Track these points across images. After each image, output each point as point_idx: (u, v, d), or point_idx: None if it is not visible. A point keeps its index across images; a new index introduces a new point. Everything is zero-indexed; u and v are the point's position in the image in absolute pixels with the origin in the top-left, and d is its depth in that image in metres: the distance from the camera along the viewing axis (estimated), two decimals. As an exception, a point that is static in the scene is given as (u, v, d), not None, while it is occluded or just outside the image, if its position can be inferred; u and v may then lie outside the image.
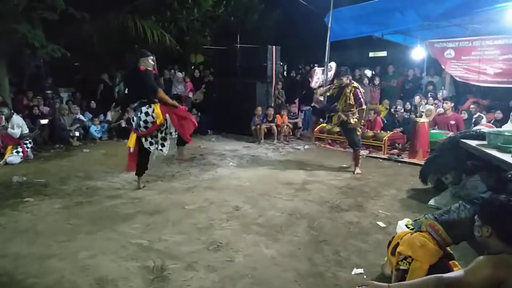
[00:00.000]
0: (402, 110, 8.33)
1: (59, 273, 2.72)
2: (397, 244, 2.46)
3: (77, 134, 8.19)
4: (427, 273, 2.21)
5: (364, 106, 5.65)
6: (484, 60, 7.70)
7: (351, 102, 5.58)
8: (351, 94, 5.58)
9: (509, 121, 6.25)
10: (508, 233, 1.65)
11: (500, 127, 6.05)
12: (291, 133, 9.13)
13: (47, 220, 3.75)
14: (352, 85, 5.61)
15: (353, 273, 2.77)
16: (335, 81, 6.05)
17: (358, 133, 5.76)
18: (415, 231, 2.51)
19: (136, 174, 4.86)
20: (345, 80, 5.62)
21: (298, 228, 3.62)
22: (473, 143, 3.92)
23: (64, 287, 2.55)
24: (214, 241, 3.27)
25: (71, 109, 8.49)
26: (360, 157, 5.97)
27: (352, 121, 5.63)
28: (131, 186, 4.98)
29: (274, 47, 9.00)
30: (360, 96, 5.57)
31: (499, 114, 7.01)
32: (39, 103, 8.41)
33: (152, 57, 4.56)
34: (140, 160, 4.78)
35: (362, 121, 5.87)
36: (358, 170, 5.75)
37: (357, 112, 5.65)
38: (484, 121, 6.86)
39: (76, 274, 2.71)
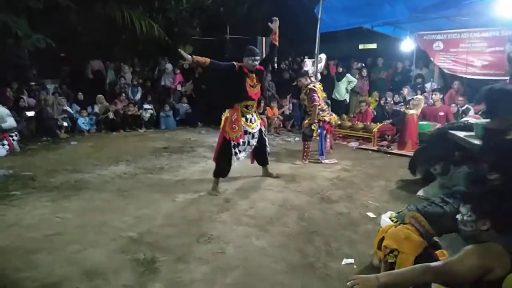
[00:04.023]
0: (392, 102, 8.38)
1: (48, 266, 2.69)
2: (383, 238, 2.48)
3: (65, 124, 8.07)
4: (414, 264, 2.24)
5: (315, 103, 5.67)
6: (471, 53, 7.77)
7: (308, 102, 5.82)
8: (306, 95, 5.81)
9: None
10: (506, 225, 1.67)
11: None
12: (281, 125, 9.13)
13: (35, 214, 3.69)
14: (308, 87, 5.77)
15: (343, 263, 2.80)
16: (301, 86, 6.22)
17: (314, 128, 5.77)
18: (399, 224, 2.54)
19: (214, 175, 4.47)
20: (304, 81, 5.85)
21: (288, 219, 3.63)
22: (461, 134, 3.96)
23: (53, 280, 2.52)
24: (204, 233, 3.26)
25: (58, 101, 8.34)
26: (306, 150, 5.89)
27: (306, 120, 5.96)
28: (120, 179, 4.93)
29: (264, 38, 8.93)
30: (313, 94, 5.69)
31: (485, 106, 7.11)
32: (24, 95, 8.23)
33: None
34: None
35: (318, 117, 5.78)
36: (298, 162, 5.85)
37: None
38: (471, 112, 6.94)
39: (65, 267, 2.68)
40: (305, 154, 5.91)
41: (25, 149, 6.69)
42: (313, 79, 6.30)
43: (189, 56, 3.91)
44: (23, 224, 3.45)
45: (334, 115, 6.13)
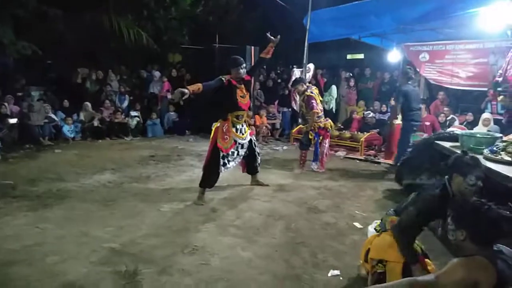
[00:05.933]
0: (371, 115, 8.40)
1: (24, 279, 2.59)
2: (369, 250, 2.46)
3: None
4: (402, 271, 2.23)
5: (314, 110, 5.64)
6: (456, 64, 7.92)
7: (305, 109, 5.80)
8: (304, 102, 5.79)
9: (479, 123, 6.46)
10: (481, 237, 1.67)
11: (472, 129, 6.23)
12: (269, 134, 9.12)
13: (14, 224, 3.57)
14: (305, 93, 5.74)
15: (329, 275, 2.76)
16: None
17: (311, 137, 5.76)
18: (381, 232, 2.53)
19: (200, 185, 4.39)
20: (300, 87, 5.83)
21: (275, 229, 3.59)
22: (447, 144, 4.00)
23: (29, 294, 2.43)
24: (189, 244, 3.20)
25: (42, 108, 8.19)
26: (303, 158, 5.91)
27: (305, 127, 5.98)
28: (105, 188, 4.83)
29: (252, 47, 8.96)
30: (312, 101, 5.66)
31: (470, 117, 7.24)
32: (7, 102, 8.07)
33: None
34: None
35: (314, 124, 5.74)
36: (297, 170, 5.85)
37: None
38: (456, 123, 7.05)
39: (43, 280, 2.58)
40: (302, 162, 5.89)
41: (6, 157, 6.51)
42: (310, 84, 6.33)
43: (186, 90, 3.89)
44: (1, 234, 3.33)
45: (329, 120, 6.10)
